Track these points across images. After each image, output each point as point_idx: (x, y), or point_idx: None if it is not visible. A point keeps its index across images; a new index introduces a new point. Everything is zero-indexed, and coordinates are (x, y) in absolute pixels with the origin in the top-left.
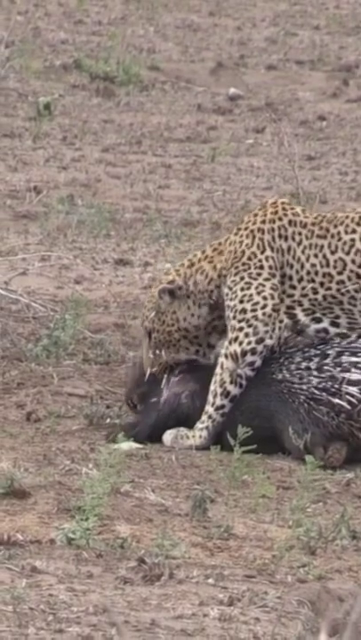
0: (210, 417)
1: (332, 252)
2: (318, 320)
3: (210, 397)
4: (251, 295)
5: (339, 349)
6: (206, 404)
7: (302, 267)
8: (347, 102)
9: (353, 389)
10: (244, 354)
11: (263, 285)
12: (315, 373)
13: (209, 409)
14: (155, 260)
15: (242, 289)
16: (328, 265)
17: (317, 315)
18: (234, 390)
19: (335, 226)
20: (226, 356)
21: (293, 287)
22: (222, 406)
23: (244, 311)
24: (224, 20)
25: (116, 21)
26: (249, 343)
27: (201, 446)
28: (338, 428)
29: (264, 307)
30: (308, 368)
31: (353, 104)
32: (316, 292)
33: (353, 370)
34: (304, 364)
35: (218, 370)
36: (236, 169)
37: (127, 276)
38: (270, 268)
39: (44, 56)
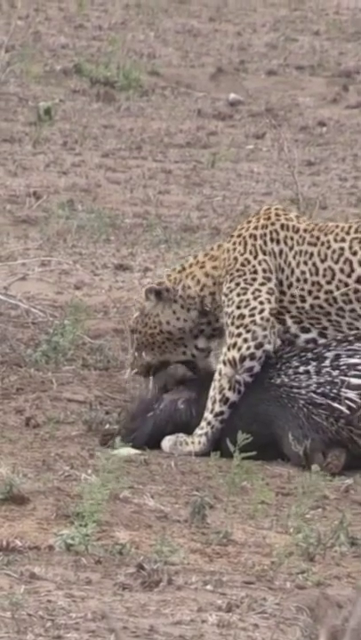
0: (209, 423)
1: (322, 261)
2: (307, 330)
3: (209, 404)
4: (248, 300)
5: (336, 352)
6: (205, 410)
7: (292, 272)
8: (347, 108)
9: (352, 394)
10: (242, 359)
11: (259, 290)
12: (314, 378)
13: (208, 415)
14: (155, 266)
15: (238, 295)
16: (317, 273)
17: (305, 324)
18: (233, 397)
19: (326, 234)
20: (224, 363)
21: (283, 293)
22: (221, 413)
23: (241, 317)
24: (224, 26)
25: (116, 26)
26: (248, 348)
27: (200, 452)
28: (337, 433)
29: (262, 311)
30: (306, 372)
31: (353, 110)
32: (303, 300)
33: (351, 372)
34: (302, 368)
35: (216, 376)
36: (235, 174)
37: (127, 282)
38: (265, 271)
39: (44, 61)
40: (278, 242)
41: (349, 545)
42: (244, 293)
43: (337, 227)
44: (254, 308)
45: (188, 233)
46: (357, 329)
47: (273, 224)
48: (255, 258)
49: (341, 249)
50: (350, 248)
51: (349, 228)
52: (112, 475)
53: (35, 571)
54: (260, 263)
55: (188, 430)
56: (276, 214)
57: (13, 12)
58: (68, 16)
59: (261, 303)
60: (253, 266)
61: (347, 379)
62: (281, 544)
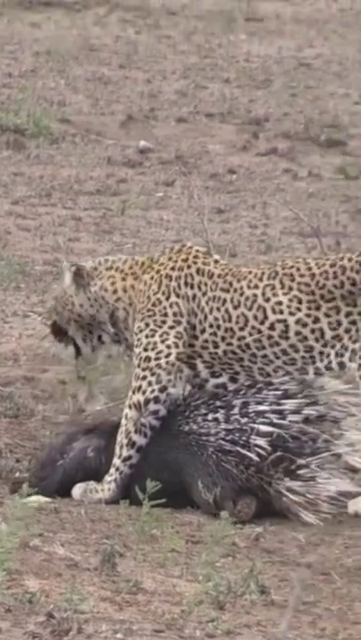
0: (117, 469)
1: (235, 307)
2: (217, 375)
3: (117, 449)
4: (155, 343)
5: (244, 400)
6: (114, 456)
7: (205, 318)
8: (256, 155)
9: (261, 441)
10: (147, 402)
11: (168, 333)
12: (223, 425)
13: (116, 461)
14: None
15: (146, 336)
16: (230, 320)
17: (216, 369)
18: (139, 440)
19: (239, 280)
20: (130, 407)
21: (195, 337)
22: (129, 457)
23: (148, 359)
24: (134, 73)
25: (26, 74)
26: (152, 391)
27: (110, 499)
28: (247, 481)
29: (168, 355)
30: (215, 419)
31: (263, 157)
32: (216, 347)
33: (260, 419)
34: (211, 416)
35: (123, 421)
36: (145, 222)
37: (37, 330)
38: (175, 314)
39: None
40: (192, 286)
41: (259, 593)
42: (152, 335)
43: (250, 273)
44: (161, 352)
45: None
46: (268, 374)
47: (189, 267)
48: (167, 299)
49: (255, 295)
50: (263, 295)
51: (262, 274)
52: (22, 522)
53: None
54: (171, 306)
55: (98, 478)
56: (195, 257)
57: None
58: None
59: (168, 347)
60: (164, 307)
61: (256, 426)
62: (191, 592)
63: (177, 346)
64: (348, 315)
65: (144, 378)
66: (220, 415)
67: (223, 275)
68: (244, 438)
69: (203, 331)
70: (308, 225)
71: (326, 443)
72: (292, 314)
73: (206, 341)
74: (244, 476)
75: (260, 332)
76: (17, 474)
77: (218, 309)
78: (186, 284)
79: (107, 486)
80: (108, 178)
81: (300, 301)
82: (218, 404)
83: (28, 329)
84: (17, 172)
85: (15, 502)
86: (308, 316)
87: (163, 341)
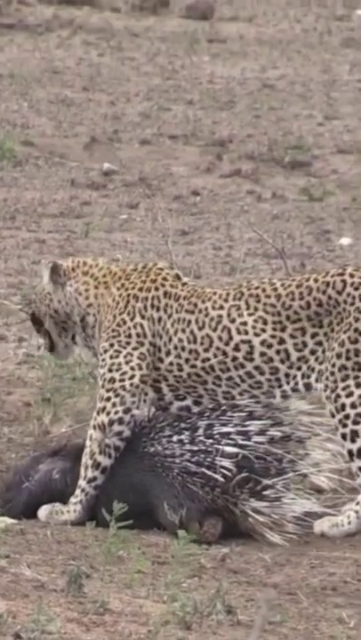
0: (83, 490)
1: (200, 329)
2: (182, 398)
3: (82, 471)
4: (120, 364)
5: (209, 422)
6: (79, 477)
7: (170, 340)
8: (220, 177)
9: (227, 462)
10: (111, 423)
11: (131, 355)
12: (187, 446)
13: (81, 482)
14: (29, 336)
15: (111, 357)
16: (195, 341)
17: (181, 392)
18: (104, 461)
19: (203, 301)
20: (94, 427)
21: (161, 360)
22: (94, 478)
23: (112, 380)
24: (98, 95)
25: None
26: (116, 413)
27: (76, 521)
28: (213, 502)
29: (132, 377)
30: (180, 441)
31: (226, 179)
32: (181, 369)
33: (225, 441)
34: (176, 437)
35: (87, 442)
36: (109, 244)
37: (2, 352)
38: (138, 336)
39: None
40: (158, 309)
41: (226, 613)
42: (117, 357)
43: (215, 294)
44: (125, 373)
45: None
46: (233, 397)
47: (157, 289)
48: (132, 320)
49: (220, 316)
50: (228, 315)
51: (227, 295)
52: None
53: None
54: (135, 327)
55: (64, 500)
56: (163, 279)
57: None
58: None
59: (132, 369)
60: (129, 328)
61: (221, 447)
62: (157, 613)
63: (140, 367)
64: (313, 336)
65: (108, 399)
66: (184, 437)
67: (188, 297)
68: (209, 459)
69: (168, 353)
70: (272, 246)
71: (292, 463)
72: (257, 334)
73: (171, 364)
74: (209, 497)
75: (224, 353)
76: None
77: (183, 331)
78: (152, 306)
79: (72, 507)
80: (71, 200)
81: (265, 322)
82: (183, 425)
83: None
84: None
85: None
86: (273, 337)
87: (127, 362)
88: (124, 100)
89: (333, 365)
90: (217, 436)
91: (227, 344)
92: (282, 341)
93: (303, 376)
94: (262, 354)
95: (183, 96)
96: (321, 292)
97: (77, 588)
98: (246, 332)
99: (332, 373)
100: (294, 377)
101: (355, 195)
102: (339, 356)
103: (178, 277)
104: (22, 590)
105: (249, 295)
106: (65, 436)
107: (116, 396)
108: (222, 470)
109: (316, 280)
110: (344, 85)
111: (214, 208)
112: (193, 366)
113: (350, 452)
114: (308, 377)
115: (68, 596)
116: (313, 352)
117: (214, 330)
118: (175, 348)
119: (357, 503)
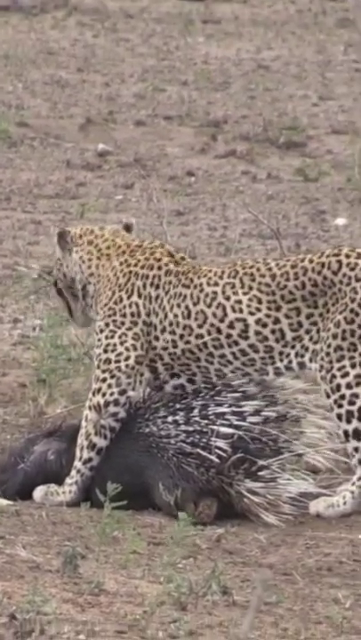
0: (78, 471)
1: (194, 304)
2: (176, 376)
3: (77, 451)
4: (115, 345)
5: (203, 402)
6: (75, 458)
7: (166, 317)
8: (215, 158)
9: (222, 443)
10: (106, 404)
11: (126, 335)
12: (183, 427)
13: (77, 463)
14: (24, 317)
15: (106, 337)
16: (189, 316)
17: (176, 370)
18: (100, 442)
19: (199, 277)
20: (89, 408)
21: (157, 339)
22: (90, 459)
23: (108, 361)
24: (92, 76)
25: None
26: (112, 394)
27: (71, 502)
28: (208, 483)
29: (127, 358)
30: (175, 422)
31: (221, 159)
32: (175, 346)
33: (220, 421)
34: (171, 418)
35: (83, 423)
36: (105, 225)
37: None
38: (132, 315)
39: None
40: (158, 287)
41: (221, 594)
42: (112, 337)
43: (210, 271)
44: (120, 354)
45: None
46: (225, 375)
47: (160, 268)
48: (128, 298)
49: (215, 293)
50: (223, 293)
51: (222, 272)
52: None
53: None
54: (130, 305)
55: (59, 481)
56: (168, 258)
57: None
58: None
59: (127, 349)
60: (124, 306)
61: (216, 428)
62: (153, 593)
63: (135, 348)
64: (309, 316)
65: (104, 380)
66: (179, 417)
67: (186, 272)
68: (204, 440)
69: (163, 330)
70: (267, 227)
71: (287, 443)
72: (251, 313)
73: (166, 341)
74: (204, 477)
75: (218, 329)
76: None
77: (178, 306)
78: (152, 284)
79: (68, 489)
80: (67, 181)
81: (260, 301)
82: (177, 406)
83: None
84: None
85: None
86: (268, 316)
87: (122, 343)
88: (119, 80)
89: (329, 346)
90: (212, 417)
91: (221, 321)
92: (277, 321)
93: (297, 355)
94: (257, 332)
95: (178, 77)
96: (316, 273)
97: (73, 568)
98: (241, 310)
99: (328, 354)
100: (288, 355)
101: (350, 175)
102: (335, 336)
103: (182, 258)
104: (17, 571)
105: (244, 274)
106: (60, 417)
107: (112, 377)
108: (217, 451)
109: (311, 260)
110: (339, 66)
111: (209, 189)
112: (187, 342)
113: (346, 433)
114: (302, 356)
115: (63, 577)
116: (308, 332)
117: (209, 306)
118: (170, 324)
119: (353, 483)
